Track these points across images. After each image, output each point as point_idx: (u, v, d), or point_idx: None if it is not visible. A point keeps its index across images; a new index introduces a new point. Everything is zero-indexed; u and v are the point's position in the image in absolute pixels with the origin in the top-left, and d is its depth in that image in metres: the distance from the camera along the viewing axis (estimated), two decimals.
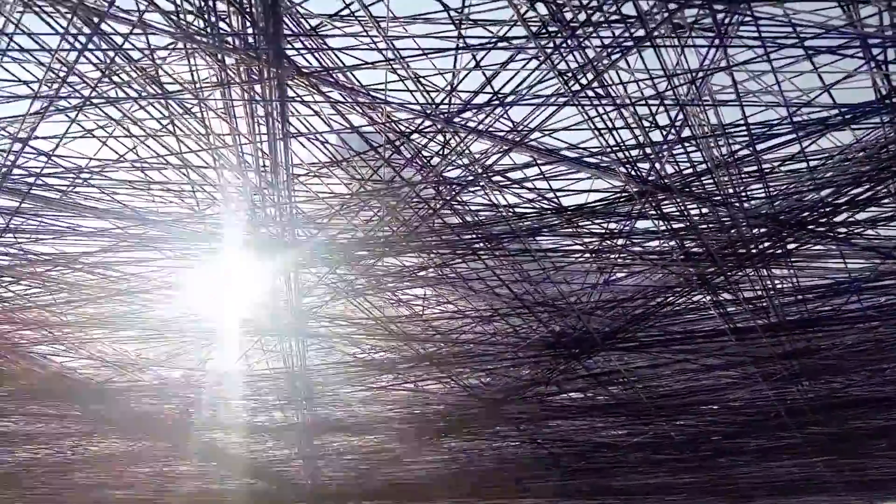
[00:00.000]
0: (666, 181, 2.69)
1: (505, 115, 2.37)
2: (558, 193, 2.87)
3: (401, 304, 3.83)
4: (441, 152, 2.54)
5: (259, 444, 7.16)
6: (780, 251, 3.25)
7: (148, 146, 2.50)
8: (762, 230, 3.07)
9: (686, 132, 2.40)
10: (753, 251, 3.21)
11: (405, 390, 5.41)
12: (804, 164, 2.68)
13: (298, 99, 2.22)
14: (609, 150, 2.54)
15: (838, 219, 3.04)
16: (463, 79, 2.15)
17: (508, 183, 2.79)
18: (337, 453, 7.86)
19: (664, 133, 2.45)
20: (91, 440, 6.78)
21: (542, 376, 5.03)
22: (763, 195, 2.84)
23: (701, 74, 2.10)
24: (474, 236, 3.07)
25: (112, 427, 6.12)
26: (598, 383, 5.23)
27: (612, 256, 3.33)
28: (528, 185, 2.82)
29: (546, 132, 2.43)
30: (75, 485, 9.13)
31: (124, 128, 2.40)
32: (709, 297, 3.81)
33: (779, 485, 11.78)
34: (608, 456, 8.24)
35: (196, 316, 3.91)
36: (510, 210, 2.91)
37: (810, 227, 3.06)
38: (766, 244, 3.16)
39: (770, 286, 3.69)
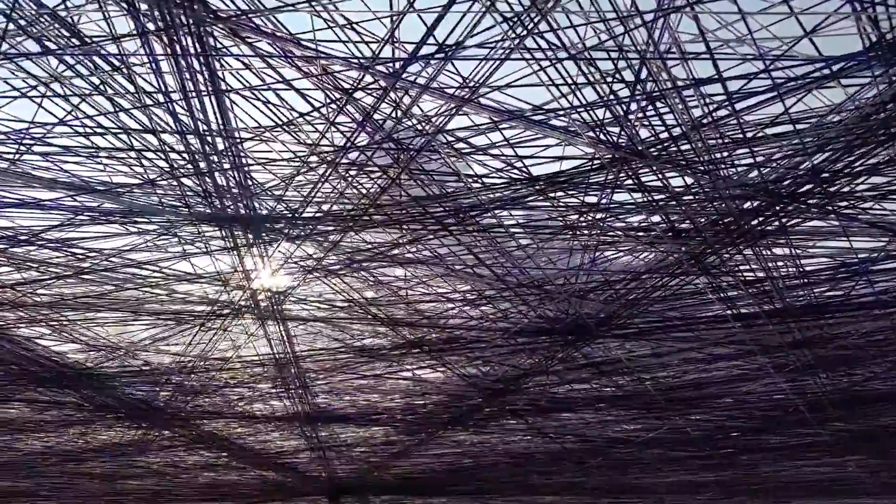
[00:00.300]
0: (639, 146, 2.48)
1: (454, 70, 2.19)
2: (525, 161, 2.68)
3: (380, 285, 3.66)
4: (394, 114, 2.36)
5: (263, 434, 7.06)
6: (775, 227, 3.01)
7: (81, 110, 2.37)
8: (754, 203, 2.84)
9: (652, 88, 2.19)
10: (746, 227, 2.97)
11: (401, 379, 5.25)
12: (790, 127, 2.44)
13: (224, 50, 2.06)
14: (572, 110, 2.34)
15: (837, 190, 2.79)
16: (398, 24, 1.97)
17: (471, 150, 2.60)
18: (346, 445, 7.73)
19: (632, 89, 2.24)
20: (94, 428, 6.74)
21: (541, 365, 4.82)
22: (749, 163, 2.61)
23: (660, 17, 1.90)
24: (443, 210, 2.89)
25: (113, 415, 6.06)
26: (601, 373, 5.00)
27: (596, 233, 3.12)
28: (494, 151, 2.63)
29: (501, 89, 2.24)
30: (89, 474, 9.14)
31: (52, 89, 2.27)
32: (705, 280, 3.58)
33: (809, 485, 11.37)
34: (624, 452, 7.98)
35: (170, 297, 3.79)
36: (478, 180, 2.72)
37: (807, 199, 2.81)
38: (760, 219, 2.93)
39: (770, 267, 3.44)
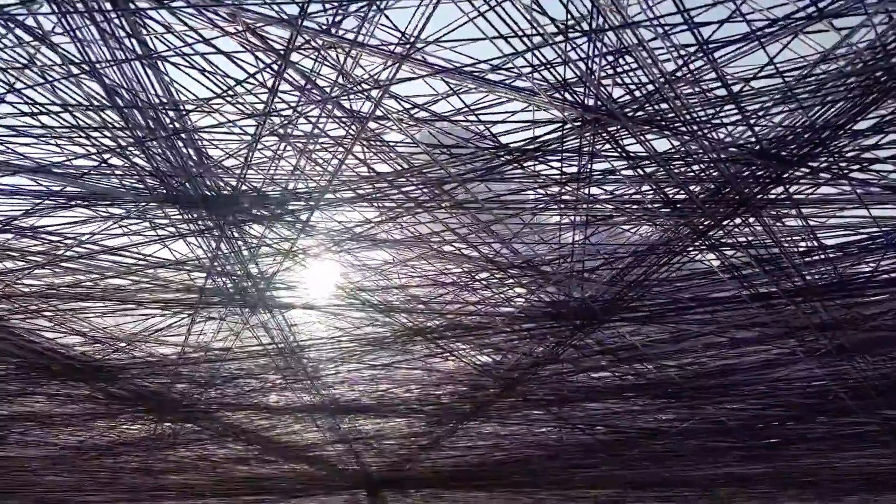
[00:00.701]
0: (612, 106, 2.26)
1: (394, 26, 2.00)
2: (493, 130, 2.47)
3: (368, 269, 3.50)
4: (340, 78, 2.19)
5: (286, 426, 6.99)
6: (780, 196, 2.74)
7: (15, 88, 2.25)
8: (753, 168, 2.58)
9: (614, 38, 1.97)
10: (747, 195, 2.72)
11: (413, 368, 5.09)
12: (779, 80, 2.19)
13: (144, 13, 1.91)
14: (532, 68, 2.13)
15: (844, 151, 2.52)
16: None
17: (433, 118, 2.41)
18: (372, 437, 7.61)
19: (591, 39, 2.02)
20: (120, 422, 6.76)
21: (554, 353, 4.60)
22: (739, 120, 2.36)
23: None
24: (413, 184, 2.70)
25: (131, 407, 6.05)
26: (618, 360, 4.75)
27: (585, 206, 2.90)
28: (456, 119, 2.44)
29: (444, 44, 2.04)
30: (127, 468, 9.24)
31: None
32: (714, 256, 3.32)
33: (863, 478, 10.83)
34: (658, 443, 7.68)
35: (158, 285, 3.69)
36: (446, 151, 2.53)
37: (813, 163, 2.55)
38: (761, 186, 2.67)
39: (784, 241, 3.17)
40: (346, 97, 2.22)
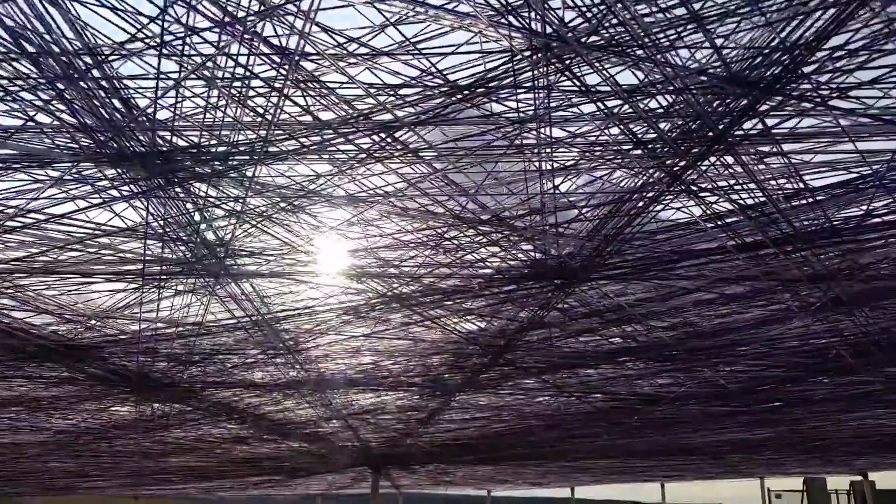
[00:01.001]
0: (561, 31, 2.06)
1: None
2: (438, 67, 2.29)
3: (327, 230, 3.32)
4: (260, 7, 1.99)
5: (276, 404, 6.86)
6: (756, 130, 2.54)
7: None
8: (725, 99, 2.38)
9: None
10: (720, 129, 2.51)
11: (395, 338, 4.92)
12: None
13: None
14: None
15: (824, 76, 2.31)
16: None
17: (370, 53, 2.22)
18: (366, 412, 7.49)
19: None
20: (107, 404, 6.64)
21: (538, 316, 4.42)
22: (703, 44, 2.16)
23: None
24: (361, 131, 2.52)
25: (114, 387, 5.92)
26: (605, 322, 4.57)
27: (548, 151, 2.71)
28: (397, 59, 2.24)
29: None
30: (124, 452, 9.16)
31: None
32: (692, 203, 3.12)
33: (875, 440, 10.66)
34: (659, 410, 7.52)
35: (110, 253, 3.53)
36: (385, 91, 2.34)
37: (789, 89, 2.34)
38: (734, 118, 2.47)
39: (764, 181, 2.97)
40: (273, 34, 2.02)
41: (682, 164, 2.73)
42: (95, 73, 2.20)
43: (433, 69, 2.27)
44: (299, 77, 2.20)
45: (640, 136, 2.61)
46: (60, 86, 2.25)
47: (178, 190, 2.79)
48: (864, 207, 3.20)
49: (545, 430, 8.53)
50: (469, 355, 5.27)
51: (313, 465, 12.28)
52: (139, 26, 2.09)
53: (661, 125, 2.51)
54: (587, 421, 7.98)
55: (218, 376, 5.70)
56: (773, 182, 3.00)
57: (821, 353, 5.58)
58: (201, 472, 12.09)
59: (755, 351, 5.25)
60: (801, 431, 9.50)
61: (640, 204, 3.04)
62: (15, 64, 2.22)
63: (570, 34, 2.06)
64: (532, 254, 3.60)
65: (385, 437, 9.51)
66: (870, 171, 2.97)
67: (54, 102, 2.35)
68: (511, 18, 2.05)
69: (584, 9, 2.02)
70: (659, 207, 3.08)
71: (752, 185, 3.01)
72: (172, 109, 2.38)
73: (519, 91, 2.32)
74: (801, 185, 3.07)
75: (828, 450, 11.07)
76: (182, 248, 3.34)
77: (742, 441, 9.89)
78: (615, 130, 2.61)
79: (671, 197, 2.98)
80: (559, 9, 2.04)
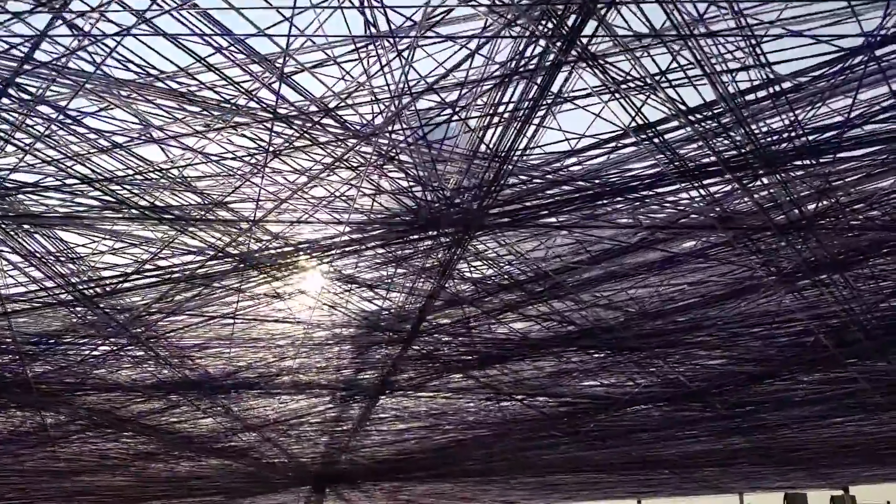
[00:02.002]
0: None
1: None
2: None
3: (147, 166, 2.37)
4: None
5: (171, 412, 5.84)
6: None
7: None
8: None
9: None
10: None
11: (272, 320, 3.96)
12: None
13: None
14: None
15: None
16: None
17: None
18: (277, 422, 6.48)
19: None
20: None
21: (440, 285, 3.47)
22: None
23: None
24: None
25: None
26: (528, 295, 3.63)
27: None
28: None
29: None
30: (22, 470, 8.07)
31: None
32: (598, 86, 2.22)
33: (856, 451, 9.79)
34: (615, 414, 6.58)
35: None
36: None
37: None
38: None
39: (710, 56, 2.07)
40: None
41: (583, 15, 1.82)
42: None
43: None
44: None
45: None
46: None
47: None
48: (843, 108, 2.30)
49: (493, 441, 7.55)
50: (374, 344, 4.32)
51: (249, 486, 11.21)
52: None
53: None
54: (537, 429, 7.02)
55: (76, 377, 4.70)
56: (724, 59, 2.10)
57: (797, 343, 4.68)
58: (127, 494, 10.97)
59: (716, 337, 4.33)
60: (778, 440, 8.60)
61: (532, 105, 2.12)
62: None
63: None
64: (414, 200, 2.67)
65: (318, 453, 8.49)
66: (859, 45, 2.08)
67: None
68: None
69: None
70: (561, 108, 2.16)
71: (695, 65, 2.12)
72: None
73: None
74: (764, 72, 2.17)
75: (807, 462, 10.19)
76: None
77: (714, 452, 8.97)
78: None
79: (570, 68, 2.06)
80: None
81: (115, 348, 4.11)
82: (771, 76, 2.17)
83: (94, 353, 4.18)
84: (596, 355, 4.72)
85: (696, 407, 6.24)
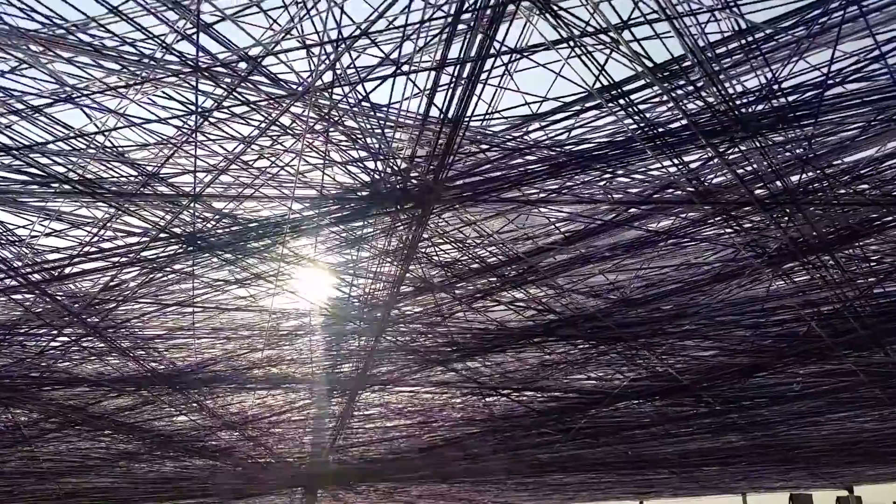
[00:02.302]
0: None
1: None
2: None
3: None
4: None
5: (140, 408, 5.66)
6: None
7: None
8: None
9: None
10: None
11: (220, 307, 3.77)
12: None
13: None
14: None
15: None
16: None
17: None
18: (253, 418, 6.29)
19: None
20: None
21: (404, 266, 3.28)
22: None
23: None
24: None
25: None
26: (500, 280, 3.43)
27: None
28: None
29: None
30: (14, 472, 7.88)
31: None
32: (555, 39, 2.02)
33: (860, 449, 9.56)
34: (605, 410, 6.37)
35: None
36: None
37: None
38: None
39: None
40: None
41: None
42: None
43: None
44: None
45: None
46: None
47: None
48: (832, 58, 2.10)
49: (481, 439, 7.35)
50: (345, 334, 4.12)
51: (242, 487, 11.02)
52: None
53: None
54: (526, 426, 6.81)
55: (37, 370, 4.51)
56: (692, 6, 1.91)
57: (789, 333, 4.47)
58: (117, 497, 10.77)
59: (702, 326, 4.13)
60: (776, 437, 8.38)
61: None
62: None
63: None
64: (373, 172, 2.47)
65: (304, 453, 8.29)
66: None
67: None
68: None
69: None
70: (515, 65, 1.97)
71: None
72: None
73: None
74: (736, 21, 1.99)
75: (807, 461, 9.96)
76: None
77: (711, 450, 8.75)
78: None
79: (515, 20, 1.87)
80: None
81: (71, 339, 3.92)
82: (743, 25, 1.98)
83: (52, 344, 4.00)
84: (580, 346, 4.52)
85: (688, 402, 6.03)
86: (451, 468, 9.28)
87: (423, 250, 3.10)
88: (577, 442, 7.84)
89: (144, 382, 4.82)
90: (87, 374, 4.62)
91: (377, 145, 2.31)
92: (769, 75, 2.15)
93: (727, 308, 3.92)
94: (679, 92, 2.19)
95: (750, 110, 2.24)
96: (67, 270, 3.13)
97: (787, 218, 2.89)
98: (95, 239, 2.96)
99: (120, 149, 2.38)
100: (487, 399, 5.88)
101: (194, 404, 5.40)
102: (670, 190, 2.68)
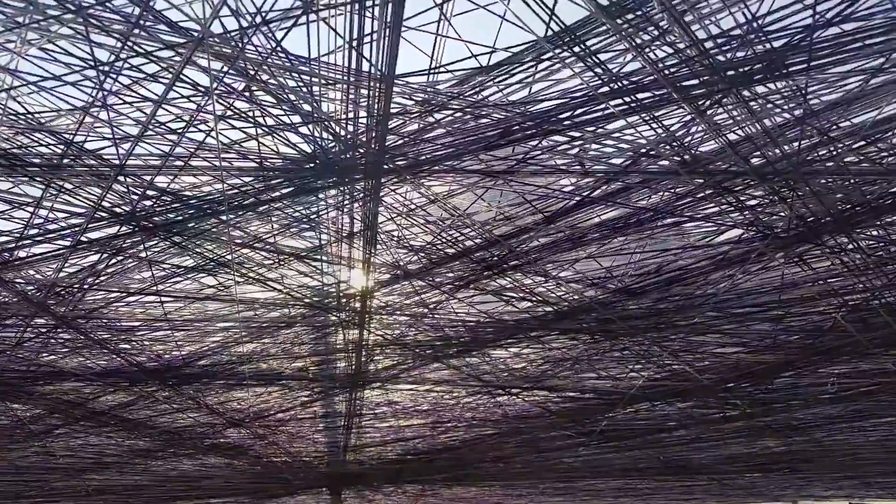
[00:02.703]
0: None
1: None
2: None
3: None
4: None
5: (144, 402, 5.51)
6: None
7: None
8: None
9: None
10: None
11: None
12: None
13: None
14: None
15: None
16: None
17: None
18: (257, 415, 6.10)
19: None
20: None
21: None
22: None
23: None
24: None
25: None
26: (477, 267, 3.15)
27: None
28: None
29: None
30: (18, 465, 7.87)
31: None
32: None
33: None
34: (630, 415, 6.01)
35: None
36: None
37: None
38: None
39: None
40: None
41: None
42: None
43: None
44: None
45: None
46: None
47: None
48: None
49: (497, 441, 7.04)
50: (325, 327, 3.89)
51: (270, 487, 10.90)
52: None
53: None
54: (542, 427, 6.49)
55: (23, 363, 4.39)
56: None
57: (812, 327, 4.08)
58: (147, 493, 10.76)
59: (714, 319, 3.77)
60: (816, 443, 7.88)
61: None
62: None
63: None
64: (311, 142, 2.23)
65: (321, 452, 8.10)
66: None
67: None
68: None
69: None
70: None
71: None
72: None
73: None
74: None
75: (854, 469, 9.38)
76: None
77: (746, 456, 8.28)
78: None
79: None
80: None
81: (43, 331, 3.77)
82: None
83: (27, 335, 3.85)
84: (584, 341, 4.20)
85: (712, 404, 5.64)
86: (476, 470, 8.99)
87: (389, 232, 2.85)
88: (603, 446, 7.47)
89: (134, 377, 4.66)
90: (73, 369, 4.48)
91: (307, 106, 2.06)
92: (749, 14, 1.84)
93: (738, 299, 3.56)
94: (644, 37, 1.90)
95: (728, 58, 1.93)
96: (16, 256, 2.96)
97: (791, 192, 2.55)
98: (39, 221, 2.78)
99: (34, 114, 2.18)
100: (498, 398, 5.58)
101: (190, 401, 5.23)
102: (654, 160, 2.38)
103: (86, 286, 3.32)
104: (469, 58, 2.03)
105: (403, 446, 7.73)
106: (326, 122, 2.10)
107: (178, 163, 2.28)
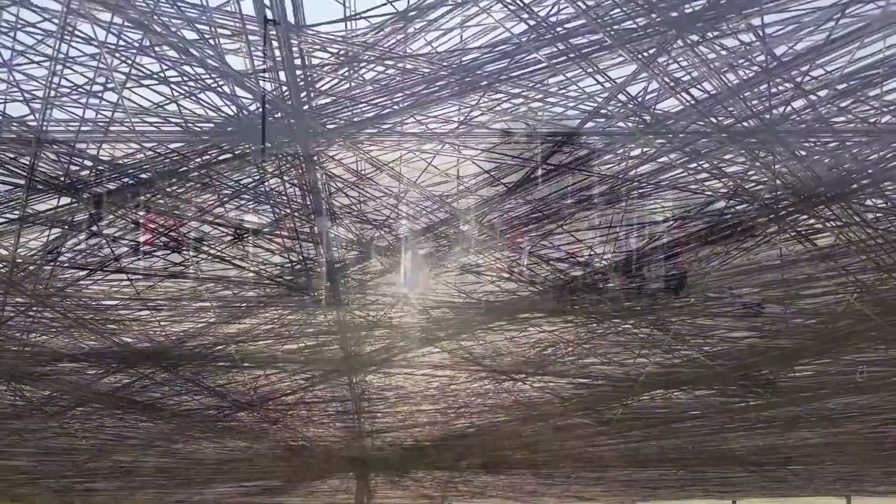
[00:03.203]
0: None
1: None
2: None
3: None
4: None
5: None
6: None
7: None
8: None
9: None
10: None
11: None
12: None
13: None
14: None
15: None
16: None
17: None
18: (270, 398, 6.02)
19: None
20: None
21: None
22: None
23: None
24: None
25: None
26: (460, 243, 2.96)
27: None
28: None
29: None
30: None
31: None
32: None
33: None
34: (647, 402, 5.76)
35: None
36: None
37: None
38: None
39: None
40: None
41: None
42: None
43: None
44: None
45: None
46: None
47: None
48: None
49: (512, 428, 6.85)
50: (303, 307, 3.75)
51: (297, 471, 10.91)
52: None
53: None
54: (556, 414, 6.27)
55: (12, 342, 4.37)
56: None
57: (826, 311, 3.78)
58: (171, 474, 10.89)
59: (712, 300, 3.51)
60: (858, 434, 7.48)
61: None
62: None
63: None
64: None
65: (338, 437, 8.02)
66: None
67: None
68: None
69: None
70: None
71: None
72: None
73: None
74: None
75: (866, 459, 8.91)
76: None
77: (778, 448, 7.92)
78: None
79: None
80: None
81: (18, 309, 3.72)
82: None
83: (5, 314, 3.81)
84: (579, 324, 3.98)
85: (732, 392, 5.34)
86: (498, 457, 8.82)
87: (340, 205, 2.68)
88: (626, 435, 7.21)
89: (129, 358, 4.60)
90: (62, 348, 4.44)
91: (212, 62, 1.90)
92: None
93: (737, 277, 3.30)
94: None
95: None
96: None
97: (771, 156, 2.29)
98: None
99: None
100: (503, 384, 5.39)
101: (189, 383, 5.17)
102: (606, 119, 2.16)
103: (50, 263, 3.25)
104: (385, 4, 1.85)
105: (420, 432, 7.60)
106: (239, 78, 1.93)
107: (93, 128, 2.14)
